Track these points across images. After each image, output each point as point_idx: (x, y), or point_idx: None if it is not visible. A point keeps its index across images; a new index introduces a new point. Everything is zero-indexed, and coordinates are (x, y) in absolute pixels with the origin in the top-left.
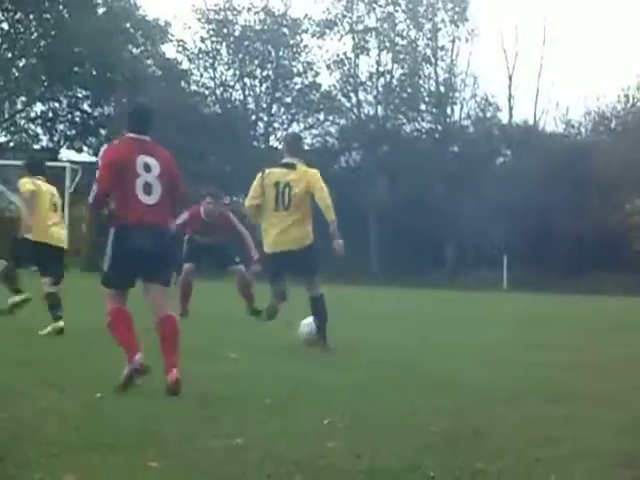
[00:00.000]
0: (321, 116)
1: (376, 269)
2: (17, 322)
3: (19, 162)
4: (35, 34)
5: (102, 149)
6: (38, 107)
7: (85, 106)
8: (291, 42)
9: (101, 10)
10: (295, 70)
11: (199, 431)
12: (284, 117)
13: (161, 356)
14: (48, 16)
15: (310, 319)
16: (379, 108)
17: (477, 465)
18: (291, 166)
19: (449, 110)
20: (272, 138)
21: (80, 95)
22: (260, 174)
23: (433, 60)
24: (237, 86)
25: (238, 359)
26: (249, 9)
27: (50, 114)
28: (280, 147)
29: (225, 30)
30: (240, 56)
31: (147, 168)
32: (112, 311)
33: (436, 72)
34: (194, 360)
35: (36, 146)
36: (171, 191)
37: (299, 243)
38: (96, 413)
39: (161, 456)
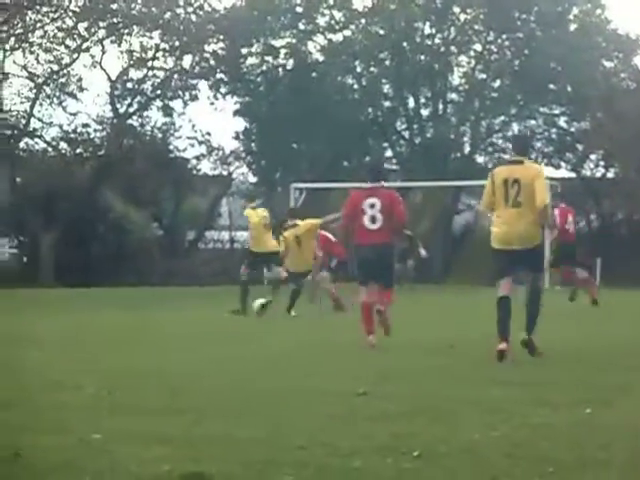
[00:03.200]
0: None
1: None
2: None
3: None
4: (508, 54)
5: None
6: (514, 126)
7: (561, 122)
8: None
9: (573, 26)
10: None
11: None
12: None
13: None
14: (520, 35)
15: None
16: None
17: None
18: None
19: None
20: None
21: (556, 112)
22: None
23: None
24: None
25: None
26: None
27: (527, 132)
28: None
29: None
30: None
31: (371, 206)
32: (362, 304)
33: None
34: None
35: None
36: (390, 219)
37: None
38: (587, 429)
39: None
